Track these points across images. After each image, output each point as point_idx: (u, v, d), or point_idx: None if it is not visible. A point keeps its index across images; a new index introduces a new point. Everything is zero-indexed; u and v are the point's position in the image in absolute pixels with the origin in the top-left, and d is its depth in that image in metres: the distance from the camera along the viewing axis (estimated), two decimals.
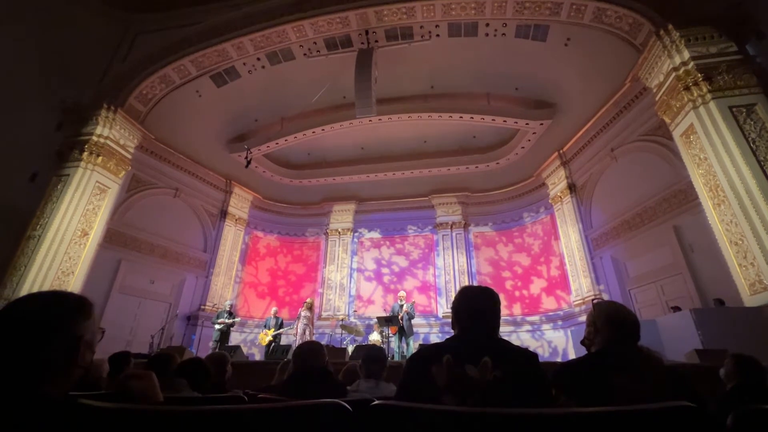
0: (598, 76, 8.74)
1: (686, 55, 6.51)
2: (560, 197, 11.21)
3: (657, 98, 7.25)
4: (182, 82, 9.51)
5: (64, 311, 0.78)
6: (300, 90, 10.41)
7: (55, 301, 0.80)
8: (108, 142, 8.65)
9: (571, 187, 10.87)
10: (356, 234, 13.91)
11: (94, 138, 8.44)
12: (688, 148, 6.59)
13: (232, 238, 12.48)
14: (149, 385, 1.48)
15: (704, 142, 6.17)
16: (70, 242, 7.78)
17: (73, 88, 8.62)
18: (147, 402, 1.40)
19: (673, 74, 6.65)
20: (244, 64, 9.63)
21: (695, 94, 6.35)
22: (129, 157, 9.26)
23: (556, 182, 11.43)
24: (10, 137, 7.63)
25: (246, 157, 10.01)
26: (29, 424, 0.66)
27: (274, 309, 9.58)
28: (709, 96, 6.18)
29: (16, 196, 7.68)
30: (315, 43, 9.20)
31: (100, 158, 8.47)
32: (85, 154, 8.29)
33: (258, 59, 9.55)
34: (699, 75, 6.31)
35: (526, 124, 10.40)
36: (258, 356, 10.77)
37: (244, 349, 9.15)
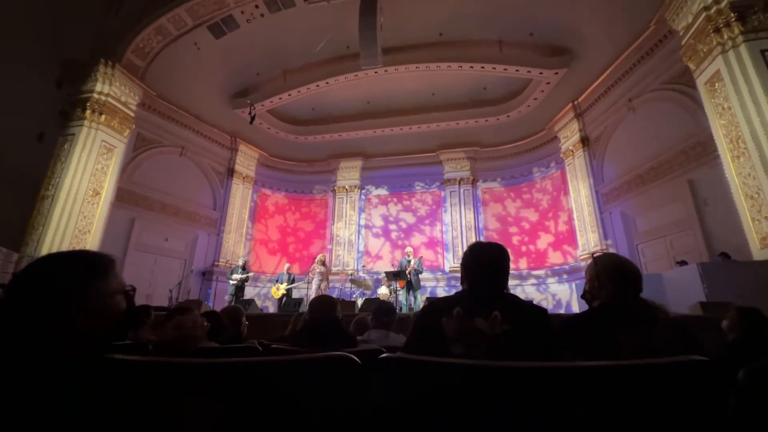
0: (621, 18, 8.08)
1: None
2: (572, 151, 10.90)
3: (683, 42, 6.74)
4: (179, 34, 9.08)
5: (73, 274, 0.78)
6: (301, 40, 9.89)
7: (66, 264, 0.80)
8: (109, 99, 8.50)
9: (584, 141, 10.53)
10: (363, 191, 13.89)
11: (95, 95, 8.29)
12: (711, 96, 6.24)
13: (240, 196, 12.56)
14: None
15: (729, 90, 5.82)
16: (83, 202, 7.92)
17: (70, 43, 8.30)
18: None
19: (704, 14, 6.12)
20: (242, 12, 9.09)
21: (725, 37, 5.88)
22: (132, 114, 9.13)
23: (569, 135, 11.06)
24: (13, 97, 7.49)
25: (250, 113, 9.76)
26: (66, 380, 0.69)
27: (287, 265, 9.89)
28: (740, 38, 5.72)
29: (25, 157, 7.70)
30: None
31: (104, 116, 8.37)
32: (88, 112, 8.20)
33: (256, 6, 8.99)
34: (732, 15, 5.79)
35: (540, 73, 9.86)
36: (272, 309, 11.27)
37: (258, 303, 9.60)
